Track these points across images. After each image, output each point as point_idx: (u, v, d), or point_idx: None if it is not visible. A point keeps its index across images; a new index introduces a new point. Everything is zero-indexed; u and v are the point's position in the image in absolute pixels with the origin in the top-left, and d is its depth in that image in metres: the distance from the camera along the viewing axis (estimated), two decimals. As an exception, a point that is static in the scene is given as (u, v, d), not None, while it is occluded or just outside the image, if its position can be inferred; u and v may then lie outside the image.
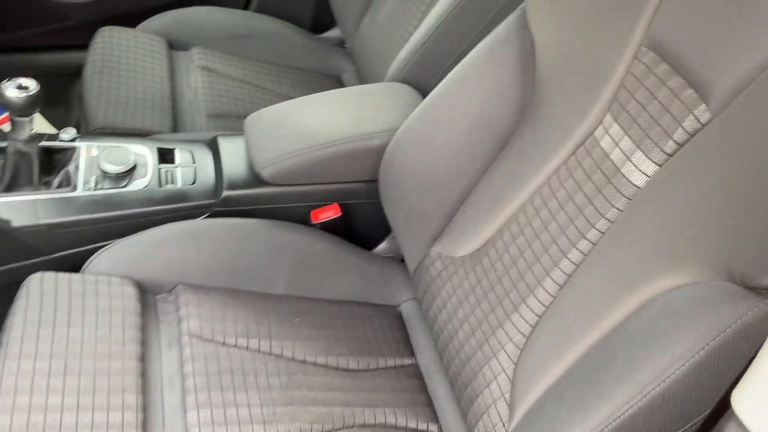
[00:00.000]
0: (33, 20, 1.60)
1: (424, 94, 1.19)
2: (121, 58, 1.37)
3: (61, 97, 1.64)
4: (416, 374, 0.97)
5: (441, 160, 0.94)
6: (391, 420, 0.88)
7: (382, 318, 1.04)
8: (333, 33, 1.78)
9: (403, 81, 1.22)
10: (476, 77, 0.91)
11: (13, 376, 0.75)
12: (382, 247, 1.15)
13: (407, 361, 0.99)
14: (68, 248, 0.98)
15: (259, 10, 1.73)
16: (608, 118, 0.76)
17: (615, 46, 0.75)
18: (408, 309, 1.07)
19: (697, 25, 0.66)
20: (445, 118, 0.93)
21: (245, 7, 1.74)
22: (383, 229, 1.13)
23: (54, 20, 1.61)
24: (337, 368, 0.93)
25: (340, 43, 1.73)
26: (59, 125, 1.55)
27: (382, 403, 0.89)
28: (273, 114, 1.13)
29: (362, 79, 1.47)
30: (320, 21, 1.79)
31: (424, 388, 0.95)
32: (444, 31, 1.16)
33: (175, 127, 1.30)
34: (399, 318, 1.06)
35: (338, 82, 1.61)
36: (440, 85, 0.95)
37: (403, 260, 1.05)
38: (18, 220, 0.95)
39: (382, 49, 1.37)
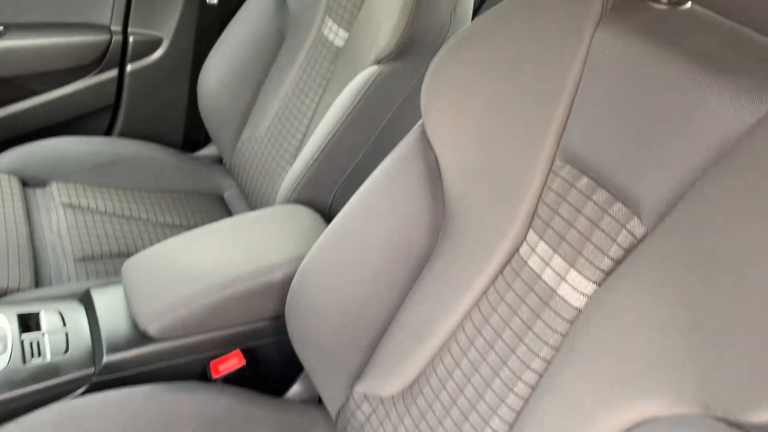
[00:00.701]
0: None
1: (320, 213, 1.12)
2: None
3: None
4: None
5: (354, 292, 0.85)
6: None
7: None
8: (208, 150, 1.69)
9: (297, 201, 1.14)
10: (382, 200, 0.85)
11: None
12: (296, 389, 1.03)
13: None
14: None
15: (123, 134, 1.61)
16: (532, 235, 0.72)
17: (526, 161, 0.72)
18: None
19: (613, 137, 0.64)
20: (354, 245, 0.86)
21: (107, 134, 1.61)
22: (295, 368, 1.01)
23: None
24: None
25: (218, 161, 1.63)
26: None
27: None
28: (155, 256, 1.00)
29: (248, 197, 1.38)
30: (193, 139, 1.70)
31: None
32: (334, 148, 1.10)
33: (38, 281, 1.12)
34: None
35: (221, 201, 1.50)
36: (344, 209, 0.88)
37: (321, 401, 0.94)
38: None
39: (267, 167, 1.29)
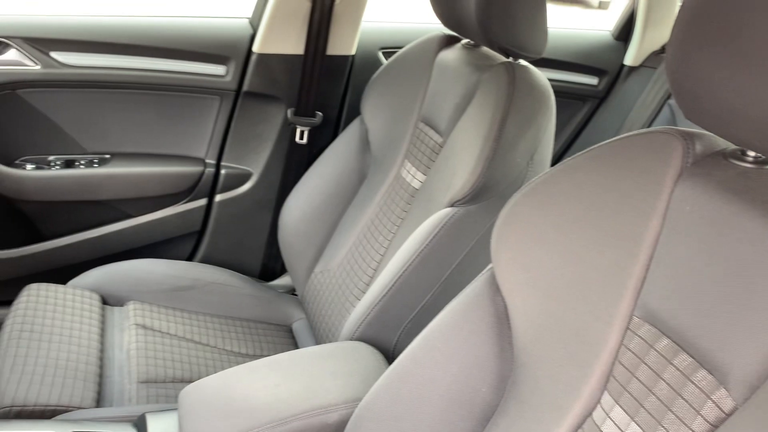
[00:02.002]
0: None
1: (383, 352, 1.09)
2: (46, 319, 1.23)
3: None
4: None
5: (410, 444, 0.80)
6: None
7: None
8: (283, 280, 1.72)
9: (360, 338, 1.12)
10: (445, 345, 0.81)
11: None
12: None
13: None
14: None
15: (205, 260, 1.67)
16: (607, 398, 0.66)
17: (602, 317, 0.67)
18: None
19: (695, 297, 0.59)
20: (413, 393, 0.81)
21: (189, 258, 1.67)
22: None
23: (-22, 277, 1.49)
24: None
25: (291, 291, 1.65)
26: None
27: None
28: (212, 386, 0.98)
29: (314, 330, 1.37)
30: (269, 269, 1.74)
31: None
32: (402, 286, 1.09)
33: (100, 400, 1.12)
34: None
35: (289, 332, 1.49)
36: (406, 352, 0.85)
37: None
38: None
39: (335, 300, 1.29)
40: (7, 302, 1.31)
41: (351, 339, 1.12)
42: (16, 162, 1.50)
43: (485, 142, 1.04)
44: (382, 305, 1.10)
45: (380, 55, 1.68)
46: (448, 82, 1.21)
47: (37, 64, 1.43)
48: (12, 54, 1.42)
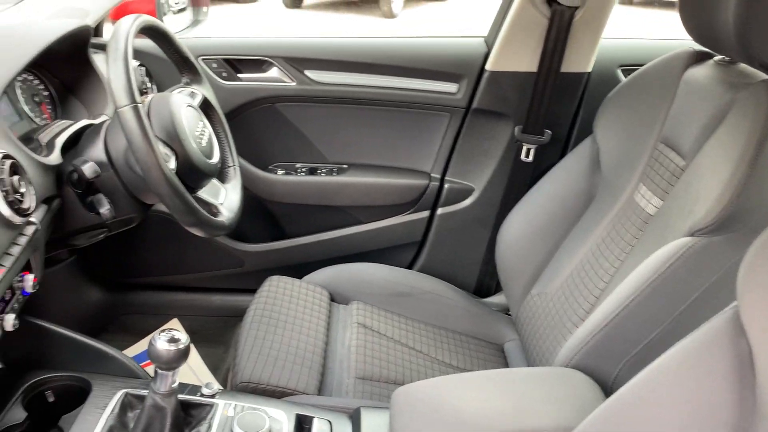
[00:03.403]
0: (213, 264, 1.70)
1: (600, 383, 1.02)
2: (282, 308, 1.36)
3: (222, 339, 1.67)
4: None
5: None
6: None
7: None
8: (497, 298, 1.71)
9: (576, 366, 1.07)
10: (675, 387, 0.74)
11: None
12: None
13: None
14: None
15: (423, 269, 1.72)
16: None
17: None
18: None
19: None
20: None
21: (410, 267, 1.74)
22: None
23: (230, 265, 1.70)
24: None
25: (505, 310, 1.63)
26: (213, 366, 1.55)
27: None
28: (425, 390, 1.00)
29: (527, 352, 1.34)
30: (485, 285, 1.74)
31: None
32: (629, 316, 1.01)
33: (321, 389, 1.21)
34: None
35: (500, 351, 1.48)
36: (627, 386, 0.79)
37: None
38: (134, 485, 0.87)
39: (551, 324, 1.24)
40: (252, 290, 1.47)
41: (566, 366, 1.07)
42: (269, 167, 1.70)
43: (737, 166, 0.93)
44: (603, 334, 1.04)
45: (619, 72, 1.60)
46: (696, 101, 1.11)
47: (293, 80, 1.60)
48: (274, 72, 1.61)
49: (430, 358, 1.37)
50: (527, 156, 1.57)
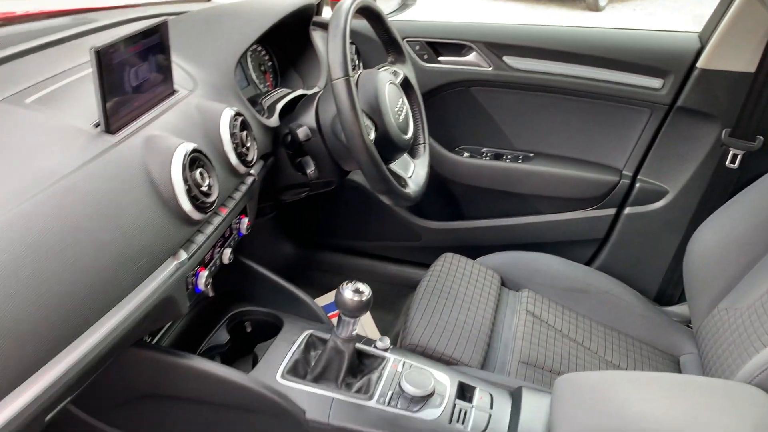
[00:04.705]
0: (393, 236, 1.80)
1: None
2: (454, 284, 1.41)
3: (393, 306, 1.76)
4: None
5: None
6: None
7: None
8: (679, 309, 1.61)
9: (759, 385, 0.99)
10: None
11: None
12: None
13: None
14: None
15: (602, 268, 1.67)
16: None
17: None
18: None
19: None
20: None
21: (588, 264, 1.70)
22: None
23: (409, 239, 1.79)
24: None
25: (686, 322, 1.54)
26: (383, 330, 1.65)
27: None
28: (591, 381, 1.00)
29: (705, 367, 1.26)
30: (667, 294, 1.65)
31: None
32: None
33: (484, 364, 1.25)
34: None
35: (675, 364, 1.41)
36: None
37: None
38: (312, 413, 0.97)
39: (738, 341, 1.16)
40: (426, 265, 1.54)
41: (748, 383, 1.00)
42: (456, 149, 1.75)
43: None
44: None
45: None
46: None
47: (490, 65, 1.63)
48: (472, 56, 1.65)
49: (597, 356, 1.35)
50: (732, 162, 1.47)
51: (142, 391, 1.03)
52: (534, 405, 1.01)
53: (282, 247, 1.85)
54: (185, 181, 0.84)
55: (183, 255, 0.87)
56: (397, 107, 1.21)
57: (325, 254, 1.89)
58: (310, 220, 1.86)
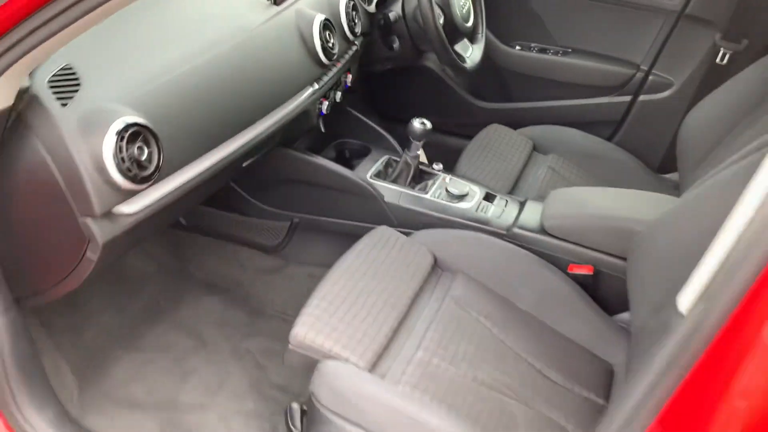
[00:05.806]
0: (454, 113, 2.28)
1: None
2: (493, 145, 1.89)
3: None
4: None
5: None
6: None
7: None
8: (674, 176, 2.05)
9: None
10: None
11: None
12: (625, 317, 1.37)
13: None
14: (406, 225, 1.50)
15: (619, 143, 2.10)
16: None
17: None
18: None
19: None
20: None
21: (609, 139, 2.13)
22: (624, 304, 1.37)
23: (466, 115, 2.27)
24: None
25: (676, 186, 1.98)
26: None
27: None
28: (575, 191, 1.50)
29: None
30: (667, 164, 2.08)
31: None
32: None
33: (510, 192, 1.75)
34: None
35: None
36: (687, 195, 1.20)
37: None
38: (388, 198, 1.53)
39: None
40: (472, 136, 2.00)
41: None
42: (510, 44, 2.20)
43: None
44: None
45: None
46: None
47: None
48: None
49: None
50: (722, 60, 1.86)
51: (282, 177, 1.61)
52: (535, 207, 1.52)
53: (370, 117, 2.38)
54: (320, 39, 1.37)
55: (315, 85, 1.42)
56: (462, 1, 1.69)
57: (400, 124, 2.39)
58: (392, 98, 2.36)
